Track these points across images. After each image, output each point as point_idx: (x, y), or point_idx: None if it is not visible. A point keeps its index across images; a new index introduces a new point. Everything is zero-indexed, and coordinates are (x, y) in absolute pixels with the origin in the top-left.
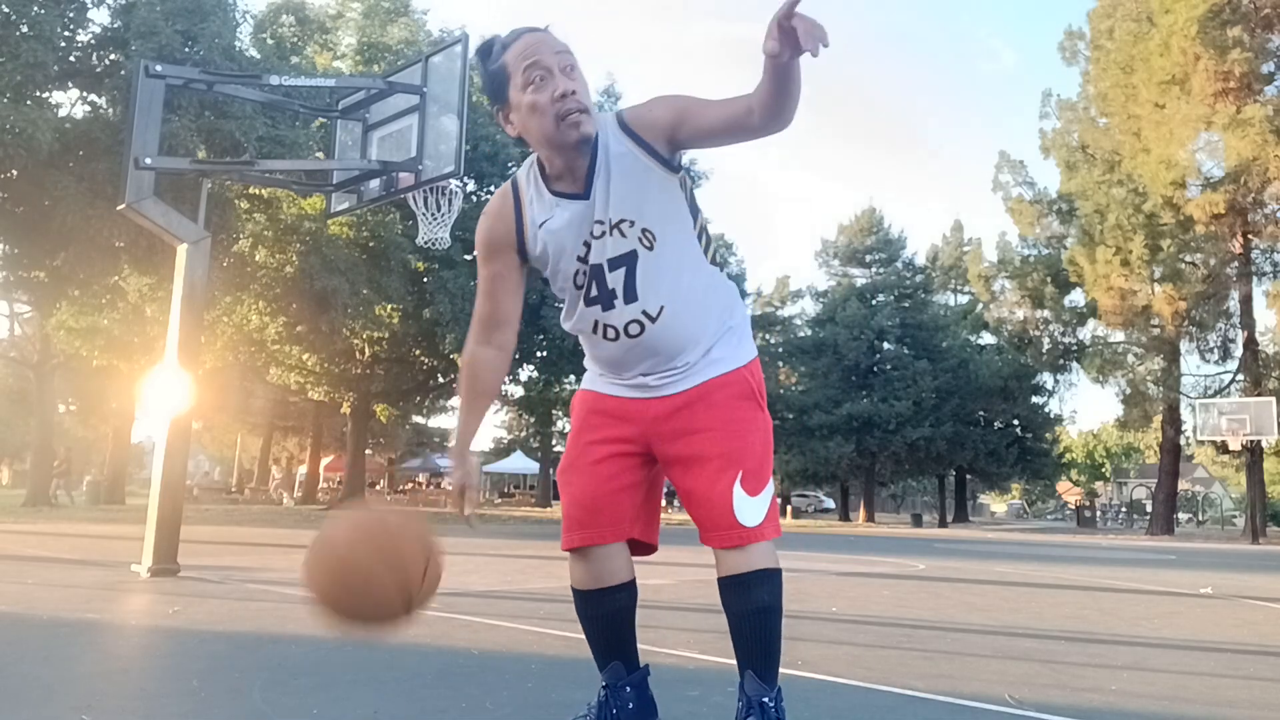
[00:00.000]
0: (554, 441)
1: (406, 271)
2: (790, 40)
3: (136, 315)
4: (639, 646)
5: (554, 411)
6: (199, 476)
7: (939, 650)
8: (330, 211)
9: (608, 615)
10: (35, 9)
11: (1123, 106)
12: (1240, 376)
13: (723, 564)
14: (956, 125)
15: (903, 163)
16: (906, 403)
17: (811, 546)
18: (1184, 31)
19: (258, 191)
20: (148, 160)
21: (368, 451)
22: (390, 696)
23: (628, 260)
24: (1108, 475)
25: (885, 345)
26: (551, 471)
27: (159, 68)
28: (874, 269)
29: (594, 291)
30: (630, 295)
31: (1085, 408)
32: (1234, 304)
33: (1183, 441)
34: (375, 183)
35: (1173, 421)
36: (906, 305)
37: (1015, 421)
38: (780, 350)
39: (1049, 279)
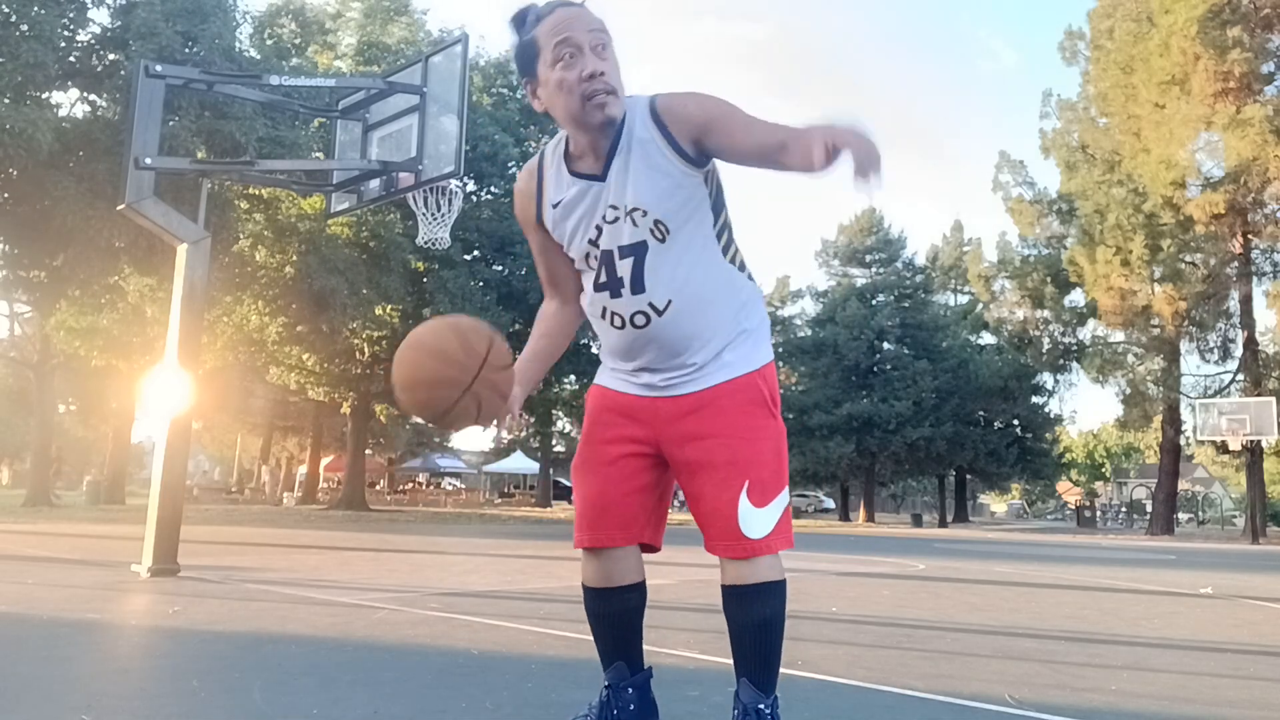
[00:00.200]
0: (554, 441)
1: (406, 271)
2: (835, 161)
3: (136, 315)
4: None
5: (554, 411)
6: (199, 476)
7: (939, 650)
8: (330, 211)
9: (616, 614)
10: (35, 9)
11: (1123, 106)
12: (1240, 376)
13: (726, 573)
14: (956, 125)
15: (903, 163)
16: (906, 403)
17: (811, 546)
18: (1184, 31)
19: (257, 191)
20: (148, 160)
21: (368, 451)
22: (390, 696)
23: (637, 250)
24: (1108, 475)
25: (885, 345)
26: (551, 471)
27: (159, 68)
28: (874, 269)
29: (603, 277)
30: (638, 286)
31: (1085, 408)
32: (1234, 304)
33: (1183, 441)
34: (375, 183)
35: (1173, 421)
36: (906, 305)
37: (1015, 421)
38: (780, 350)
39: (1049, 279)
